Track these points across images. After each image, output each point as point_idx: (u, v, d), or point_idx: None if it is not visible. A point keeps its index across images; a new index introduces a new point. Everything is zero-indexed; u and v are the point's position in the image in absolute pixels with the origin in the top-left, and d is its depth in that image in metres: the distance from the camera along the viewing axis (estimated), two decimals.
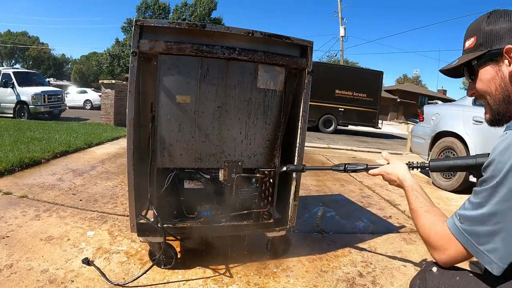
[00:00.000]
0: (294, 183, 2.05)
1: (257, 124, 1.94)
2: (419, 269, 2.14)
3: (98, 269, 1.89)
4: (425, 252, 2.47)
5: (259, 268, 2.09)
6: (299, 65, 1.97)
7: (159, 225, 1.79)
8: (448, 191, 4.60)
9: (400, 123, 33.89)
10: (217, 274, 1.98)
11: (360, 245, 2.59)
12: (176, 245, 2.17)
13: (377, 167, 1.46)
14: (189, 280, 1.89)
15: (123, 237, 2.38)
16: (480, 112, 4.36)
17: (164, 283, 1.84)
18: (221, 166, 1.91)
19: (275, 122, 1.98)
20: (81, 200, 3.11)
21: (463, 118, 4.59)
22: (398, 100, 40.88)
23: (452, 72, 1.16)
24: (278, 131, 2.00)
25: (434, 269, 1.08)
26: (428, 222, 1.07)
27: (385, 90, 44.36)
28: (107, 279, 1.81)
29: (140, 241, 1.94)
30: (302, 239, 2.59)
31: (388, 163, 1.41)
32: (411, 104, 41.05)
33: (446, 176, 4.74)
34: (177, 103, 1.77)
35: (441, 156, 4.86)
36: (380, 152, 7.71)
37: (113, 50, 38.03)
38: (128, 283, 1.78)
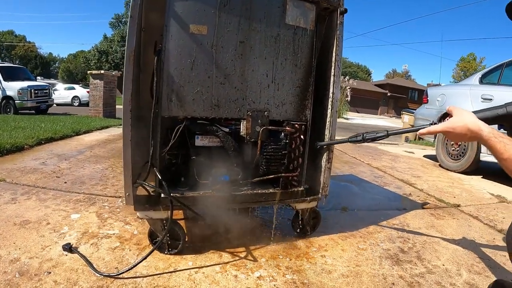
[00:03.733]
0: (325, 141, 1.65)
1: (286, 66, 1.51)
2: (459, 243, 1.93)
3: (83, 256, 1.43)
4: (458, 226, 2.27)
5: (287, 249, 1.67)
6: (330, 3, 1.60)
7: (163, 194, 1.35)
8: (458, 172, 4.27)
9: (390, 116, 34.03)
10: (237, 258, 1.54)
11: (390, 221, 2.26)
12: (182, 224, 1.74)
13: (435, 125, 1.19)
14: (202, 267, 1.44)
15: (115, 220, 1.91)
16: (488, 90, 4.09)
17: (170, 272, 1.39)
18: (243, 116, 1.47)
19: (307, 66, 1.56)
20: (65, 182, 2.62)
21: (470, 97, 4.31)
22: (388, 94, 41.21)
23: None
24: (310, 77, 1.58)
25: None
26: None
27: (375, 85, 44.86)
28: (94, 269, 1.35)
29: (138, 217, 1.47)
30: (327, 216, 2.19)
31: (451, 116, 1.16)
32: (401, 98, 41.44)
33: (454, 157, 4.42)
34: (190, 34, 1.34)
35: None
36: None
37: (101, 46, 37.00)
38: (122, 273, 1.32)
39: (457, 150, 4.37)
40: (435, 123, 1.21)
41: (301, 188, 1.63)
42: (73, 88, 22.16)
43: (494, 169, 4.72)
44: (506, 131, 1.25)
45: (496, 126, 1.25)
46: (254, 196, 1.53)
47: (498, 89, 4.04)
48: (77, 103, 20.81)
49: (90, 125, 6.20)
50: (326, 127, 1.66)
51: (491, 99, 3.98)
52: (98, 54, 36.75)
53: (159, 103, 1.33)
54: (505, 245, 1.94)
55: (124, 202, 1.46)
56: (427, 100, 5.19)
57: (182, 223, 1.80)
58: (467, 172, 4.20)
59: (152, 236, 1.53)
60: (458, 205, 2.78)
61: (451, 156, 4.48)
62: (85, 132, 5.56)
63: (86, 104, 13.71)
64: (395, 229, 2.11)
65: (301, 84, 1.56)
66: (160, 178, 1.33)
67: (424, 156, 5.78)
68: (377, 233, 2.01)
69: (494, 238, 2.09)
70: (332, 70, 1.63)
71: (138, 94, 1.41)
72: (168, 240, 1.48)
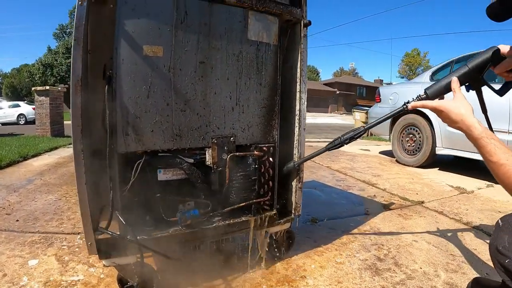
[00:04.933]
0: (296, 160, 1.57)
1: (250, 85, 1.41)
2: (431, 242, 1.96)
3: None
4: (426, 224, 2.32)
5: (266, 275, 1.57)
6: (293, 15, 1.51)
7: (129, 238, 1.18)
8: (415, 166, 4.42)
9: (341, 114, 35.01)
10: None
11: (361, 227, 2.25)
12: (150, 261, 1.58)
13: (431, 101, 1.20)
14: None
15: (77, 262, 1.69)
16: None
17: None
18: (207, 145, 1.34)
19: (271, 84, 1.47)
20: (17, 220, 2.33)
21: None
22: (337, 92, 42.49)
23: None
24: (275, 95, 1.49)
25: None
26: None
27: (324, 84, 46.10)
28: None
29: (104, 265, 1.30)
30: (298, 231, 2.12)
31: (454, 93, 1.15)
32: (350, 95, 42.95)
33: (411, 153, 4.57)
34: (144, 57, 1.19)
35: (403, 133, 4.68)
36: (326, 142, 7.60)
37: (45, 59, 34.81)
38: None
39: (413, 146, 4.52)
40: (427, 98, 1.23)
41: (274, 212, 1.54)
42: (18, 106, 20.57)
43: (448, 161, 4.96)
44: (474, 90, 1.26)
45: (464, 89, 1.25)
46: (227, 227, 1.41)
47: None
48: (23, 121, 19.37)
49: (38, 147, 5.72)
50: (295, 146, 1.58)
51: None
52: (43, 67, 34.58)
53: (113, 138, 1.18)
54: (475, 237, 2.05)
55: (85, 244, 1.28)
56: (380, 99, 5.33)
57: (151, 260, 1.64)
58: (424, 166, 4.36)
59: (122, 282, 1.35)
60: (422, 202, 2.85)
61: (407, 151, 4.63)
62: (33, 156, 5.10)
63: (33, 122, 12.72)
64: (367, 235, 2.09)
65: (267, 104, 1.47)
66: (124, 223, 1.17)
67: (380, 152, 5.95)
68: (351, 243, 1.98)
69: (462, 232, 2.15)
70: (298, 86, 1.56)
71: (90, 127, 1.24)
72: (139, 284, 1.32)
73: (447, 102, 1.12)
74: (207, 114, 1.32)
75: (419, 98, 1.25)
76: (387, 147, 6.52)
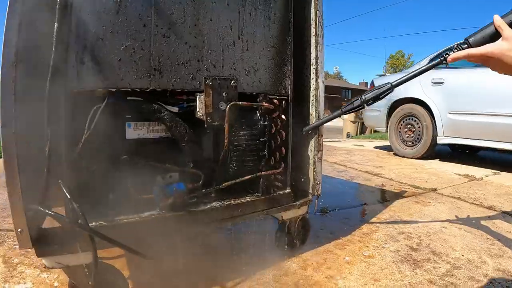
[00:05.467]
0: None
1: (257, 18, 1.02)
2: (461, 227, 1.76)
3: None
4: (448, 210, 2.05)
5: (279, 277, 1.16)
6: None
7: (78, 223, 0.76)
8: (415, 158, 4.11)
9: None
10: None
11: (380, 216, 1.91)
12: (121, 265, 1.16)
13: (476, 47, 0.88)
14: None
15: (28, 265, 1.25)
16: (438, 74, 3.95)
17: None
18: (199, 87, 0.93)
19: (282, 21, 1.08)
20: None
21: (420, 82, 4.12)
22: None
23: None
24: (288, 35, 1.10)
25: None
26: None
27: None
28: None
29: (45, 266, 0.87)
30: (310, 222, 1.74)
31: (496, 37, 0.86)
32: (335, 98, 43.05)
33: (409, 144, 4.25)
34: None
35: (401, 124, 4.36)
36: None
37: None
38: None
39: (412, 137, 4.21)
40: (469, 47, 0.91)
41: (288, 190, 1.14)
42: None
43: (447, 152, 4.69)
44: None
45: None
46: (225, 210, 0.99)
47: (448, 72, 3.93)
48: None
49: None
50: (311, 104, 1.19)
51: (443, 82, 3.85)
52: None
53: (63, 69, 0.75)
54: (504, 221, 1.86)
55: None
56: None
57: (120, 262, 1.21)
58: (424, 157, 4.05)
59: None
60: (435, 189, 2.57)
61: (406, 143, 4.31)
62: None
63: None
64: (390, 224, 1.76)
65: (277, 44, 1.07)
66: (69, 197, 0.75)
67: (375, 147, 5.64)
68: (373, 233, 1.63)
69: (489, 216, 1.93)
70: (313, 30, 1.19)
71: (30, 53, 0.81)
72: None
73: (497, 45, 0.84)
74: (200, 45, 0.91)
75: (459, 48, 0.93)
76: (380, 143, 6.24)
